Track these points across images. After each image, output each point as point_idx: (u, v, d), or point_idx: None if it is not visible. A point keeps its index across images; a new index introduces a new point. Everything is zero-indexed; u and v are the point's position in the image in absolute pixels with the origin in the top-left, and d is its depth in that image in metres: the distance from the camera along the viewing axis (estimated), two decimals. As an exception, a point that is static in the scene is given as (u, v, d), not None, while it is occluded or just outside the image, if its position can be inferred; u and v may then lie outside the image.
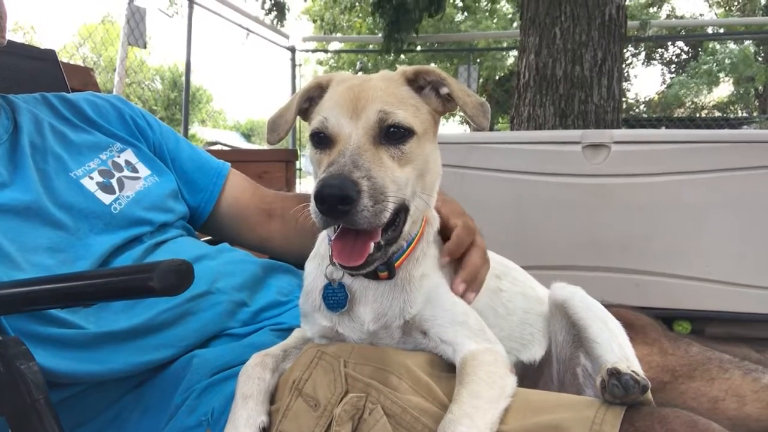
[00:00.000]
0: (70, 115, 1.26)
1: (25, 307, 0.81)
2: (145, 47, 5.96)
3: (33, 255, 1.02)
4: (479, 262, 1.00)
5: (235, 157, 3.49)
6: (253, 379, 0.90)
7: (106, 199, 1.16)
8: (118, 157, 1.25)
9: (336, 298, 0.94)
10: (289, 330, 1.07)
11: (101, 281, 0.74)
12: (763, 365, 1.24)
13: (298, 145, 8.59)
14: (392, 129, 0.84)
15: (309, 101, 0.96)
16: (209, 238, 1.51)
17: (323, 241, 1.01)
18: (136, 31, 5.85)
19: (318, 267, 0.99)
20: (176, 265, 0.71)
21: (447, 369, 0.91)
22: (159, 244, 1.18)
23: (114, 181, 1.20)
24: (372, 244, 0.82)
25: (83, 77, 2.62)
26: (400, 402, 0.83)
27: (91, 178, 1.18)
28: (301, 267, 1.37)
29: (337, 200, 0.74)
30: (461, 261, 1.00)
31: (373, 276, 0.93)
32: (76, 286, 0.75)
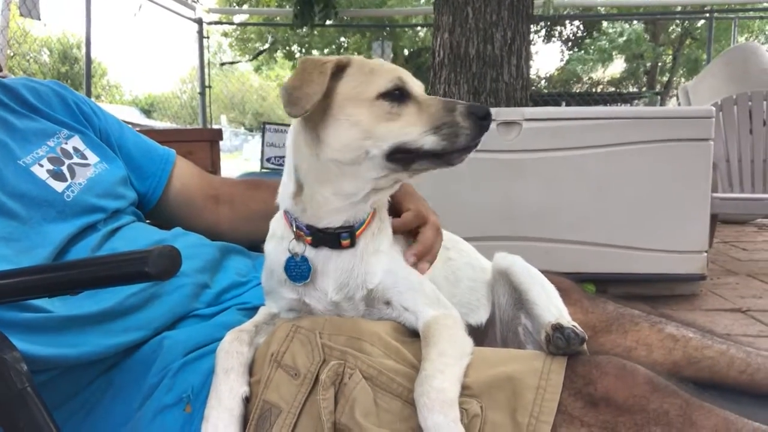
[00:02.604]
0: (9, 102, 1.22)
1: (17, 296, 0.82)
2: (39, 18, 5.54)
3: None
4: (432, 237, 1.10)
5: (158, 138, 3.38)
6: (232, 353, 0.96)
7: (59, 186, 1.15)
8: (66, 143, 1.23)
9: (299, 271, 1.01)
10: (254, 309, 1.13)
11: (97, 268, 0.77)
12: (666, 318, 1.44)
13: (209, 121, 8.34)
14: None
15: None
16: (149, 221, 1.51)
17: (279, 221, 1.08)
18: (28, 1, 5.42)
19: (277, 246, 1.05)
20: (168, 251, 0.75)
21: (410, 335, 1.01)
22: (114, 231, 1.19)
23: (65, 169, 1.18)
24: None
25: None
26: (375, 365, 0.92)
27: (41, 166, 1.16)
28: (251, 250, 1.42)
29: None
30: (416, 236, 1.10)
31: (336, 245, 1.01)
32: (71, 274, 0.77)
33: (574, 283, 1.50)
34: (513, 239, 3.37)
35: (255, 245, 1.40)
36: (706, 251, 3.28)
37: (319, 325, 0.99)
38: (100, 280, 0.77)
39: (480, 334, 1.20)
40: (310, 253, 1.01)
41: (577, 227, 3.35)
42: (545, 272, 1.47)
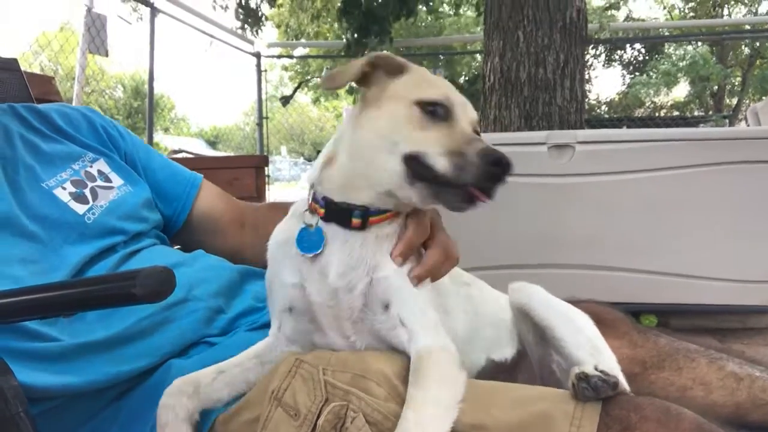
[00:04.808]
0: (40, 126, 1.24)
1: (4, 318, 0.80)
2: (107, 55, 5.83)
3: (6, 267, 1.00)
4: (438, 258, 0.98)
5: (205, 165, 3.46)
6: (168, 407, 0.91)
7: (80, 209, 1.15)
8: (91, 167, 1.24)
9: (310, 241, 0.95)
10: (263, 326, 1.07)
11: (83, 290, 0.74)
12: (726, 354, 1.29)
13: (266, 151, 8.52)
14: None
15: (373, 67, 0.98)
16: (178, 247, 1.51)
17: (302, 201, 1.03)
18: (96, 39, 5.72)
19: (291, 221, 1.01)
20: (158, 272, 0.71)
21: None
22: (133, 253, 1.18)
23: (87, 191, 1.19)
24: None
25: (44, 86, 2.56)
26: (381, 409, 0.83)
27: (64, 189, 1.16)
28: None
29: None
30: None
31: (346, 223, 0.94)
32: (57, 296, 0.74)
33: (623, 315, 1.37)
34: (565, 267, 3.21)
35: None
36: (781, 281, 3.03)
37: (324, 361, 0.91)
38: (87, 302, 0.74)
39: (508, 369, 1.10)
40: (322, 225, 0.96)
41: (636, 255, 3.16)
42: (596, 302, 1.36)
